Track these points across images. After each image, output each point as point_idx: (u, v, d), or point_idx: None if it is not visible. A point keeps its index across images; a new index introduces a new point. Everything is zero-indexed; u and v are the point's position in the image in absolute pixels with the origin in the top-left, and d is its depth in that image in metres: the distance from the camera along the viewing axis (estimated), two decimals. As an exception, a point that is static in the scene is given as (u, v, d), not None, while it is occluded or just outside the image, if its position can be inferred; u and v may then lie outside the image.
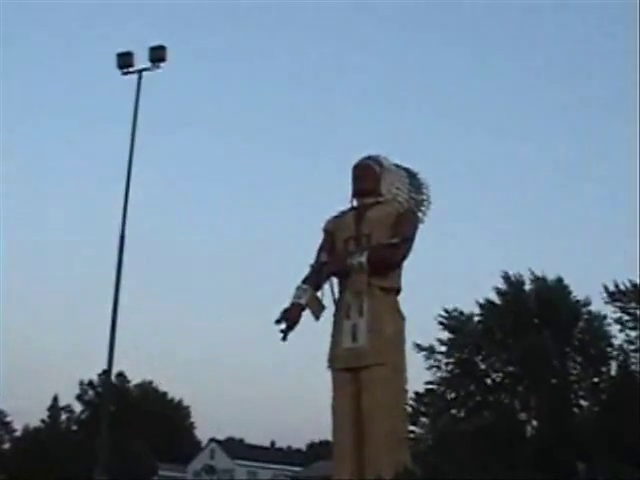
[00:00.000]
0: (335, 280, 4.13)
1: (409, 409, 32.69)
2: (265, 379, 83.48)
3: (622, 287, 35.37)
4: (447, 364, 38.14)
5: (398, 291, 4.08)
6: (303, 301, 4.03)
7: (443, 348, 38.22)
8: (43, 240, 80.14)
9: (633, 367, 34.21)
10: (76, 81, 78.80)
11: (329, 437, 4.13)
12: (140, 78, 18.82)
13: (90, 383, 61.96)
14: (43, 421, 61.81)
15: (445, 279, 57.41)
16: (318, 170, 75.51)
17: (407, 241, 4.04)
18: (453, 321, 38.25)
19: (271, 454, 66.37)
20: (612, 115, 67.83)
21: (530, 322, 36.24)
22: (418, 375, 34.54)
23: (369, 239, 4.05)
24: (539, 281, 37.61)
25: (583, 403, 35.99)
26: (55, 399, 62.75)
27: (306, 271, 4.18)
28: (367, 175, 4.21)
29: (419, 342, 36.89)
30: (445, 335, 38.16)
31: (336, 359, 4.02)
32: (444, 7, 71.97)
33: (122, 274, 17.60)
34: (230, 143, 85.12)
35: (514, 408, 36.24)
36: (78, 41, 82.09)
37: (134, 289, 56.49)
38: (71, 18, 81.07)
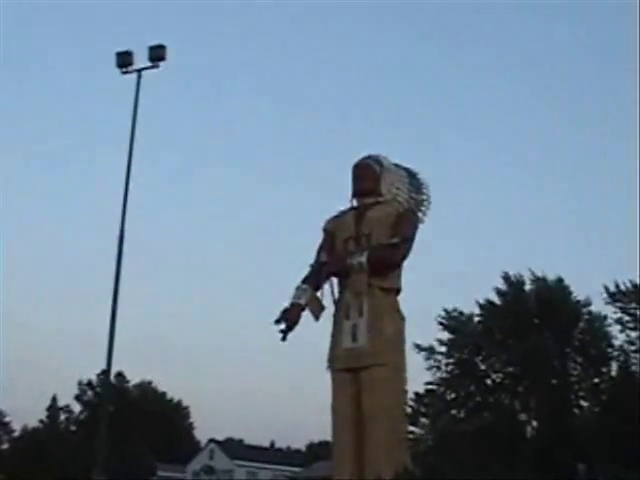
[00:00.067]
0: (335, 280, 4.11)
1: (409, 410, 32.70)
2: (264, 379, 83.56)
3: (623, 287, 35.41)
4: (447, 364, 38.17)
5: (398, 291, 4.07)
6: (303, 301, 4.00)
7: (443, 348, 38.26)
8: (42, 239, 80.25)
9: (634, 368, 34.22)
10: (75, 80, 78.90)
11: (329, 437, 4.11)
12: (139, 77, 18.85)
13: (89, 383, 61.96)
14: (42, 421, 61.88)
15: (445, 279, 57.41)
16: (318, 170, 75.51)
17: (407, 241, 4.01)
18: (453, 321, 38.26)
19: (270, 454, 66.39)
20: (611, 115, 67.91)
21: (530, 322, 36.24)
22: (418, 375, 34.57)
23: (369, 239, 4.03)
24: (539, 281, 37.61)
25: (583, 404, 36.00)
26: (54, 399, 62.83)
27: (306, 271, 4.16)
28: (367, 175, 4.19)
29: (419, 342, 36.95)
30: (445, 335, 38.22)
31: (336, 359, 4.01)
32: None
33: (121, 274, 17.63)
34: (230, 143, 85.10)
35: (514, 409, 36.25)
36: (77, 40, 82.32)
37: (133, 289, 56.58)
38: (70, 17, 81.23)
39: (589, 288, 45.45)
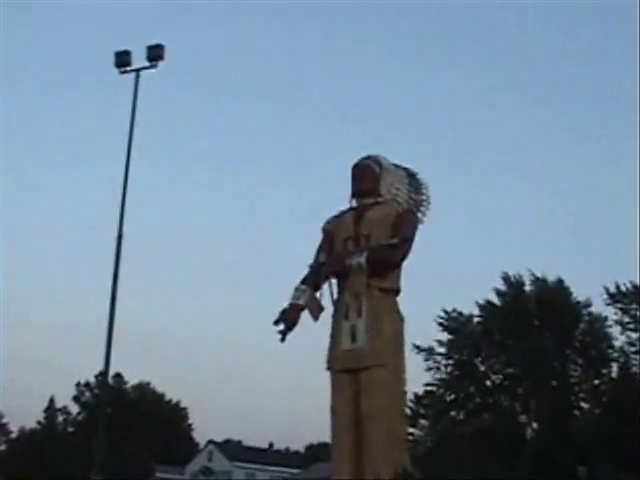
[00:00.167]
0: (334, 281, 4.09)
1: (408, 411, 32.63)
2: (263, 381, 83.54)
3: (623, 288, 35.40)
4: (446, 365, 38.14)
5: (397, 292, 4.05)
6: (302, 302, 4.00)
7: (442, 349, 38.23)
8: (42, 239, 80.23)
9: (634, 369, 34.19)
10: (74, 79, 78.92)
11: (327, 439, 4.11)
12: (138, 77, 18.84)
13: (87, 384, 61.89)
14: (39, 422, 61.79)
15: (445, 279, 57.35)
16: (318, 170, 75.54)
17: (406, 242, 4.00)
18: (452, 322, 38.23)
19: (269, 456, 66.43)
20: (611, 115, 67.91)
21: (530, 323, 36.21)
22: (417, 377, 34.51)
23: (368, 239, 4.02)
24: (539, 282, 37.58)
25: (584, 405, 35.97)
26: (51, 400, 62.70)
27: (305, 271, 4.16)
28: (366, 175, 4.18)
29: (418, 343, 36.91)
30: (444, 336, 38.18)
31: (335, 360, 3.99)
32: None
33: (120, 274, 17.61)
34: (230, 142, 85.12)
35: (514, 410, 36.21)
36: (76, 39, 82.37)
37: (131, 289, 56.48)
38: (69, 17, 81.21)
39: (589, 289, 45.58)
